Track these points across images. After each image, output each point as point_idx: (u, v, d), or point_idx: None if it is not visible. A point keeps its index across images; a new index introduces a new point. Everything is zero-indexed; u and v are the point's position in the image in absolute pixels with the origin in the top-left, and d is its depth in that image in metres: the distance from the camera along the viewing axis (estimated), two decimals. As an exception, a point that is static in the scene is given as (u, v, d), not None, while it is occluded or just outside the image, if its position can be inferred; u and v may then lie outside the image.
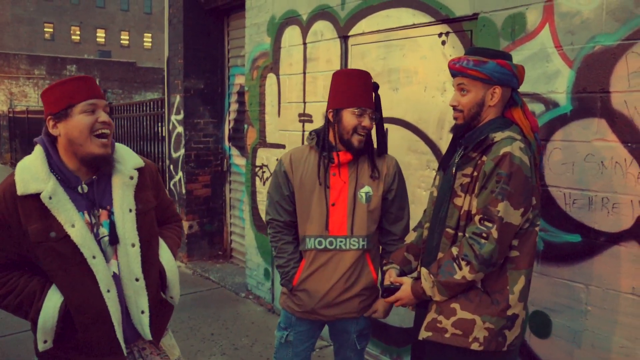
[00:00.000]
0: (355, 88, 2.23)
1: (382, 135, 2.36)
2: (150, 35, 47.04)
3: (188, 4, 5.79)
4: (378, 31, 3.38)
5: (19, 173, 1.71)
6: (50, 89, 1.75)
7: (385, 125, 3.40)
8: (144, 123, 6.96)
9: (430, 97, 3.12)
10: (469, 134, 1.98)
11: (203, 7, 5.81)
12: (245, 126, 4.85)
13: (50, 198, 1.68)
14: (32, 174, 1.70)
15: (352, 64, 3.63)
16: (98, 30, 44.70)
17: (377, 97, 2.33)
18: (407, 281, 2.01)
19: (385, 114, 3.39)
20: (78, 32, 43.61)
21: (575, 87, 2.40)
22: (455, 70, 1.96)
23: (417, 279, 1.97)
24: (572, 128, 2.42)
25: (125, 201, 1.82)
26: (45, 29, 42.12)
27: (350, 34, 3.58)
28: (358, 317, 2.38)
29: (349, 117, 2.22)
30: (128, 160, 1.87)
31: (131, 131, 7.36)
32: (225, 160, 6.11)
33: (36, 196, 1.68)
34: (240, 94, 5.69)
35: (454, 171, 1.95)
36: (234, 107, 5.88)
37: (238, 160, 5.89)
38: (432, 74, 3.11)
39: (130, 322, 1.86)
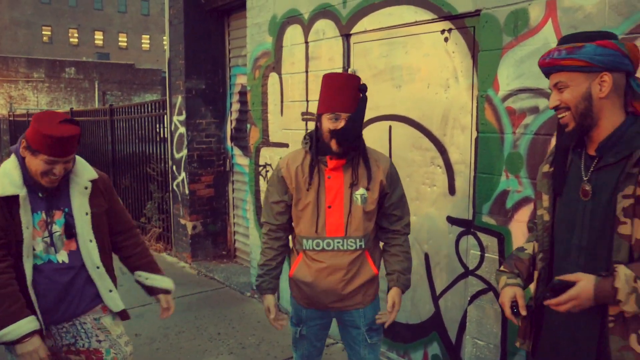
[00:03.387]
0: (331, 93, 2.22)
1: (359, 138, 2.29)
2: (148, 36, 47.06)
3: (188, 5, 5.80)
4: (380, 29, 3.39)
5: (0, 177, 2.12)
6: (39, 125, 2.04)
7: (389, 122, 3.44)
8: (145, 124, 6.97)
9: (434, 94, 3.13)
10: (605, 142, 1.64)
11: (203, 7, 5.82)
12: (248, 126, 4.87)
13: (24, 200, 2.11)
14: (10, 179, 2.11)
15: (355, 62, 3.64)
16: (96, 32, 44.72)
17: (363, 99, 2.25)
18: (585, 277, 1.56)
19: (389, 111, 3.44)
20: (76, 35, 43.64)
21: (579, 81, 2.41)
22: (546, 65, 1.66)
23: (606, 276, 1.55)
24: (576, 122, 2.42)
25: (82, 206, 2.26)
26: (44, 32, 42.15)
27: (352, 32, 3.59)
28: (364, 307, 2.40)
29: (325, 122, 2.23)
30: (83, 173, 2.29)
31: (132, 133, 7.36)
32: (228, 160, 6.12)
33: (7, 198, 2.09)
34: (242, 93, 5.71)
35: (604, 192, 1.62)
36: (236, 107, 5.90)
37: (240, 160, 5.90)
38: (435, 71, 3.12)
39: (61, 304, 2.22)
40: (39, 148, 2.05)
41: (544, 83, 2.53)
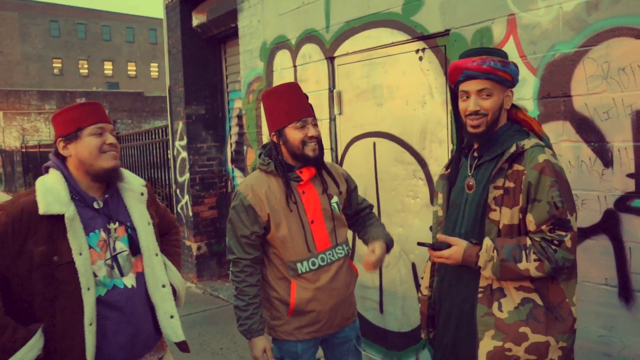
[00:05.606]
0: (288, 103, 2.19)
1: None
2: (156, 64, 47.93)
3: (186, 35, 6.04)
4: (361, 51, 3.57)
5: (41, 193, 1.76)
6: (61, 113, 1.89)
7: (373, 139, 3.60)
8: (152, 150, 7.19)
9: (412, 110, 3.29)
10: (484, 142, 1.91)
11: (200, 36, 6.06)
12: (245, 147, 5.06)
13: (71, 221, 1.77)
14: (54, 196, 1.76)
15: (339, 83, 3.82)
16: (105, 62, 45.68)
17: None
18: (460, 243, 1.85)
19: (372, 128, 3.60)
20: (86, 66, 44.62)
21: (540, 92, 2.57)
22: (483, 71, 1.82)
23: (476, 244, 1.84)
24: (540, 131, 2.57)
25: (143, 216, 1.98)
26: (54, 65, 43.15)
27: (335, 54, 3.78)
28: (356, 319, 2.44)
29: (292, 133, 2.16)
30: (133, 180, 2.03)
31: (139, 159, 7.58)
32: (229, 182, 6.31)
33: (52, 218, 1.75)
34: (240, 117, 5.91)
35: (480, 185, 1.89)
36: (235, 130, 6.10)
37: (241, 181, 6.07)
38: (412, 89, 3.28)
39: (137, 339, 1.91)
40: (79, 124, 1.84)
41: (508, 96, 2.68)
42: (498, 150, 1.88)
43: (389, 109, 3.46)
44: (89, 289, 1.77)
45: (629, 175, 2.31)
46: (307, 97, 2.28)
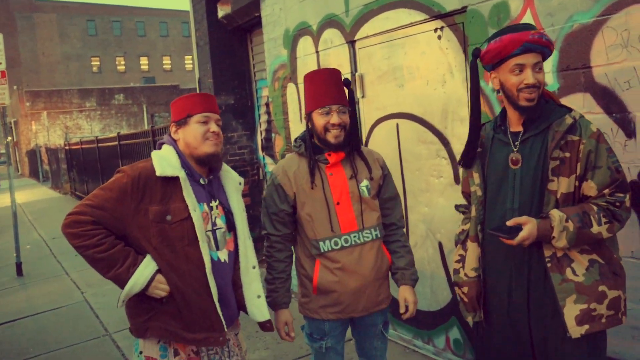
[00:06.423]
0: (318, 88, 2.25)
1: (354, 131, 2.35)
2: (190, 57, 48.57)
3: (212, 27, 6.14)
4: (380, 33, 3.57)
5: (156, 159, 2.02)
6: (176, 101, 2.12)
7: (396, 120, 3.61)
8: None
9: (433, 90, 3.28)
10: (531, 119, 1.94)
11: (226, 27, 6.14)
12: (273, 135, 5.13)
13: (185, 182, 2.01)
14: (168, 162, 2.02)
15: (360, 66, 3.83)
16: (141, 58, 46.62)
17: (350, 93, 2.35)
18: (531, 221, 1.85)
19: (394, 109, 3.61)
20: (123, 62, 45.65)
21: (559, 65, 2.53)
22: (543, 44, 1.90)
23: (544, 217, 1.87)
24: (561, 105, 2.54)
25: (239, 202, 2.20)
26: (93, 63, 44.33)
27: (356, 38, 3.79)
28: (386, 307, 2.44)
29: (317, 118, 2.25)
30: (232, 171, 2.26)
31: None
32: (261, 169, 6.41)
33: (165, 181, 1.99)
34: (268, 105, 5.98)
35: (532, 158, 1.94)
36: (264, 118, 6.18)
37: (272, 168, 6.16)
38: (432, 68, 3.27)
39: (224, 312, 2.07)
40: (188, 111, 2.05)
41: (527, 70, 2.64)
42: (543, 124, 1.93)
43: (410, 90, 3.46)
44: (203, 242, 2.01)
45: (653, 145, 2.27)
46: (345, 84, 2.31)
